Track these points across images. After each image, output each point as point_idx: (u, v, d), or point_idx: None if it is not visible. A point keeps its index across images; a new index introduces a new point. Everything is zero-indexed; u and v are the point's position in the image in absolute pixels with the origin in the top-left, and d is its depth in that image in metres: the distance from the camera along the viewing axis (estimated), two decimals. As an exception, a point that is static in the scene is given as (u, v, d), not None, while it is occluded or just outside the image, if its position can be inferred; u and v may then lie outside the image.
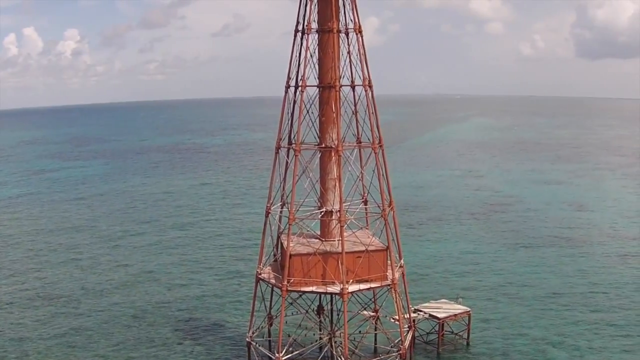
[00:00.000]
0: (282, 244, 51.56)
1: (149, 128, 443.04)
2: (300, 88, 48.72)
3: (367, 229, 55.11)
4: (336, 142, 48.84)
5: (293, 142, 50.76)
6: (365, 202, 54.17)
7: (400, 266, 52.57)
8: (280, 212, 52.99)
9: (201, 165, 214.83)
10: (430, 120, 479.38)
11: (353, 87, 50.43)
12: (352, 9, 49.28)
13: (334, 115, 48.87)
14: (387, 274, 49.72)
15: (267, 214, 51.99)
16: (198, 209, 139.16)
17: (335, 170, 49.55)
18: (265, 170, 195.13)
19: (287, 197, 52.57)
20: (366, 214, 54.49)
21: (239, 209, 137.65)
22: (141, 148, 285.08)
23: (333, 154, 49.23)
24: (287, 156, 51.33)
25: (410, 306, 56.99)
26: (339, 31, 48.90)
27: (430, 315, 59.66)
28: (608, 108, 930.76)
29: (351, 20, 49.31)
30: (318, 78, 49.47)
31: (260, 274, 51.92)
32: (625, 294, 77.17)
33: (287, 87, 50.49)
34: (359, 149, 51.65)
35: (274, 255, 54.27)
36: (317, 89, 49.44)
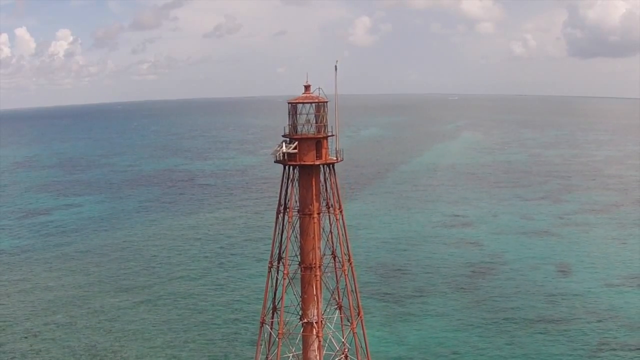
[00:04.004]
0: None
1: (139, 145, 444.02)
2: (283, 270, 50.84)
3: None
4: (317, 318, 51.02)
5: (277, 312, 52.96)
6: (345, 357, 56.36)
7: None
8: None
9: (192, 203, 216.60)
10: (419, 135, 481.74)
11: (335, 269, 52.50)
12: (334, 191, 51.23)
13: (315, 294, 50.98)
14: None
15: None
16: (191, 269, 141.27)
17: (316, 343, 51.74)
18: (254, 211, 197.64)
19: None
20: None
21: (231, 265, 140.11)
22: (133, 176, 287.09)
23: (314, 330, 51.39)
24: (271, 328, 53.48)
25: None
26: (319, 213, 50.89)
27: None
28: (599, 111, 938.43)
29: (331, 204, 51.31)
30: (299, 257, 51.59)
31: None
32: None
33: (271, 266, 52.56)
34: (342, 323, 53.86)
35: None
36: (299, 267, 51.58)
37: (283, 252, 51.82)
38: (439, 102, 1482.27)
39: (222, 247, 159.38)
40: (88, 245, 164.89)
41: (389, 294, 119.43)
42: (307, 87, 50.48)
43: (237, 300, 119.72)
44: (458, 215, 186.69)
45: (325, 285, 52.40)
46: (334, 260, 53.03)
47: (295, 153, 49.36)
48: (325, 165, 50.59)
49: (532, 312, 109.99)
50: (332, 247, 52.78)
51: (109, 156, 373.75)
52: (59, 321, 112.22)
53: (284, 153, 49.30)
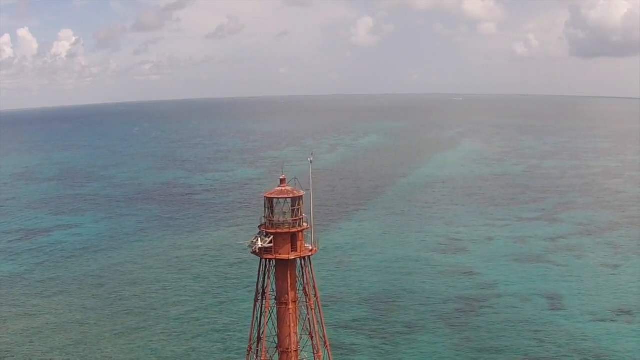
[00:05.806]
0: None
1: (140, 155, 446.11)
2: (261, 355, 52.35)
3: None
4: (294, 403, 52.50)
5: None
6: None
7: None
8: None
9: (190, 222, 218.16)
10: (419, 144, 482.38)
11: (314, 351, 53.96)
12: (308, 282, 52.64)
13: (292, 378, 52.51)
14: None
15: None
16: (188, 294, 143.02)
17: None
18: (252, 230, 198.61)
19: None
20: None
21: (228, 291, 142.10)
22: (132, 190, 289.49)
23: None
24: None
25: None
26: (295, 302, 52.31)
27: None
28: (601, 113, 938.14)
29: (307, 293, 52.75)
30: (277, 340, 53.03)
31: None
32: None
33: (249, 349, 54.04)
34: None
35: None
36: (277, 351, 53.05)
37: (262, 335, 53.28)
38: (442, 103, 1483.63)
39: (220, 270, 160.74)
40: (86, 269, 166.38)
41: (379, 329, 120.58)
42: (282, 180, 51.81)
43: (233, 331, 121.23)
44: (453, 239, 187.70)
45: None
46: (312, 341, 54.48)
47: (271, 247, 50.77)
48: (301, 258, 52.03)
49: (521, 351, 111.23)
50: (309, 330, 54.22)
51: (109, 167, 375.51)
52: (56, 353, 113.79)
53: (259, 247, 50.72)
